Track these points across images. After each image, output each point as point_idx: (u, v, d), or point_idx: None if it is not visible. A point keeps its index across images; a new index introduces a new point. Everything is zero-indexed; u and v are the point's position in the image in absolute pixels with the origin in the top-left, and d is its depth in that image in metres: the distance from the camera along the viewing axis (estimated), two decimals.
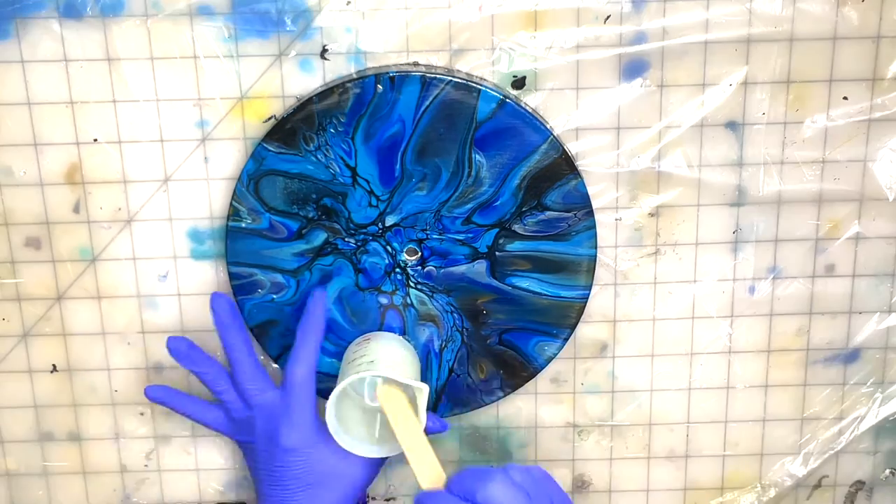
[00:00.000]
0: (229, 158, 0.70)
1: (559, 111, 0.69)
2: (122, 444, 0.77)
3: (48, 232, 0.72)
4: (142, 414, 0.76)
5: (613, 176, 0.71)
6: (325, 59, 0.68)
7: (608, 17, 0.67)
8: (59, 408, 0.76)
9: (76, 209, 0.71)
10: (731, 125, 0.70)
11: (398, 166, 0.68)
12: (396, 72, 0.66)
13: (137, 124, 0.69)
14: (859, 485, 0.79)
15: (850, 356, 0.76)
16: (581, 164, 0.70)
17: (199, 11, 0.67)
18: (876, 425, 0.78)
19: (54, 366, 0.75)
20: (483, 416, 0.77)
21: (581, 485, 0.79)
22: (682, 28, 0.68)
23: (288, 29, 0.67)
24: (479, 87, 0.66)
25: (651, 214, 0.72)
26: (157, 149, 0.70)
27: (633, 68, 0.68)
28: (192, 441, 0.77)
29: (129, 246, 0.72)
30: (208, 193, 0.71)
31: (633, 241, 0.72)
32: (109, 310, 0.74)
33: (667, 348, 0.75)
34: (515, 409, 0.77)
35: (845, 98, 0.69)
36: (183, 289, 0.73)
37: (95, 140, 0.69)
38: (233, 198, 0.69)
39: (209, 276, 0.73)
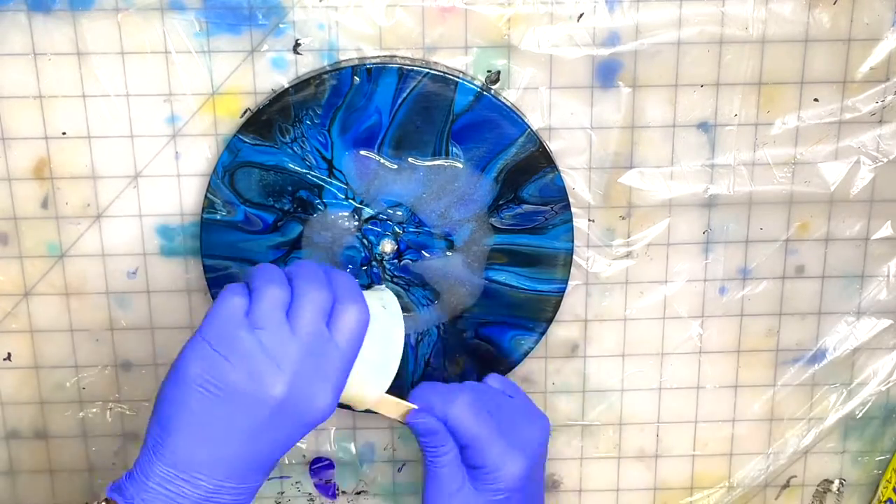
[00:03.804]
0: (200, 154, 0.70)
1: (531, 110, 0.69)
2: (90, 441, 0.76)
3: (15, 227, 0.71)
4: (110, 411, 0.76)
5: (586, 176, 0.71)
6: (298, 53, 0.67)
7: (581, 14, 0.67)
8: (25, 405, 0.75)
9: (44, 204, 0.70)
10: (703, 126, 0.70)
11: (375, 159, 0.68)
12: (373, 63, 0.66)
13: (107, 119, 0.68)
14: (827, 484, 0.80)
15: (819, 356, 0.76)
16: None
17: (171, 6, 0.66)
18: (843, 425, 0.78)
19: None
20: None
21: (551, 484, 0.79)
22: (655, 28, 0.68)
23: (260, 23, 0.67)
24: (456, 79, 0.66)
25: (622, 217, 0.72)
26: (127, 144, 0.69)
27: (606, 69, 0.69)
28: None
29: (98, 242, 0.71)
30: (179, 190, 0.70)
31: (604, 241, 0.73)
32: (77, 306, 0.73)
33: (638, 348, 0.76)
34: None
35: (816, 100, 0.70)
36: (152, 286, 0.73)
37: (64, 134, 0.69)
38: (207, 190, 0.69)
39: (179, 273, 0.72)
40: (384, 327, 0.63)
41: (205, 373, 0.54)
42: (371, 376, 0.62)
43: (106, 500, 0.54)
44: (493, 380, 0.70)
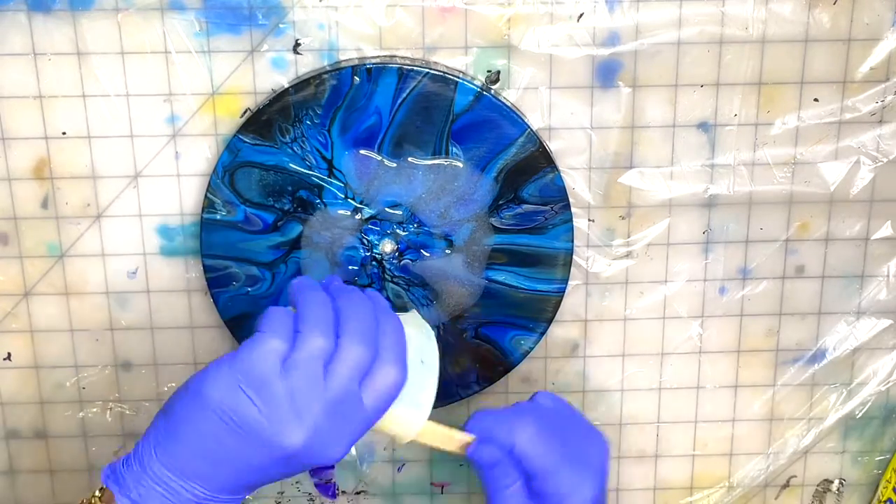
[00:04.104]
0: (200, 154, 0.70)
1: (531, 110, 0.69)
2: (90, 441, 0.76)
3: (15, 227, 0.71)
4: (110, 411, 0.76)
5: (586, 176, 0.71)
6: (298, 53, 0.67)
7: (581, 14, 0.67)
8: (25, 405, 0.75)
9: (44, 204, 0.70)
10: (703, 126, 0.70)
11: (375, 159, 0.68)
12: (373, 63, 0.66)
13: (107, 119, 0.68)
14: (827, 484, 0.80)
15: (819, 356, 0.76)
16: None
17: (171, 6, 0.66)
18: (843, 425, 0.78)
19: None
20: (454, 416, 0.76)
21: None
22: (655, 28, 0.68)
23: (260, 23, 0.67)
24: (456, 79, 0.66)
25: (622, 217, 0.72)
26: (127, 144, 0.69)
27: (606, 69, 0.69)
28: None
29: (98, 242, 0.71)
30: (179, 189, 0.70)
31: (604, 241, 0.73)
32: (77, 306, 0.73)
33: (638, 348, 0.76)
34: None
35: (816, 100, 0.70)
36: (152, 286, 0.73)
37: (64, 134, 0.69)
38: (207, 190, 0.69)
39: (179, 273, 0.72)
40: (420, 354, 0.60)
41: (226, 405, 0.53)
42: (406, 410, 0.58)
43: (102, 489, 0.55)
44: (544, 398, 0.65)
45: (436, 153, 0.68)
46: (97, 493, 0.55)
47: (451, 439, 0.61)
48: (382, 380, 0.55)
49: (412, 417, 0.58)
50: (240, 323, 0.71)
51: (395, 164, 0.68)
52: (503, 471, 0.61)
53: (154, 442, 0.55)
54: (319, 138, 0.67)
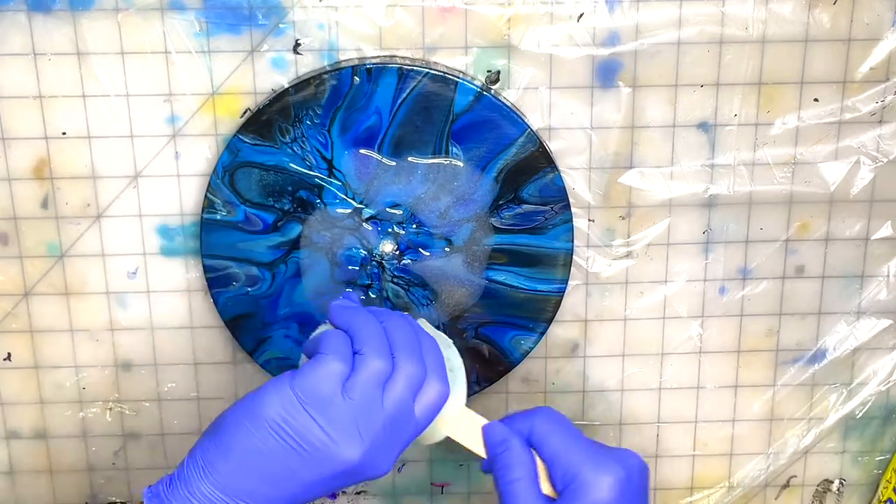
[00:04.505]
0: (200, 154, 0.70)
1: (531, 110, 0.69)
2: (90, 441, 0.76)
3: (15, 227, 0.71)
4: (110, 411, 0.76)
5: (586, 176, 0.71)
6: (298, 53, 0.67)
7: (581, 14, 0.67)
8: (25, 405, 0.75)
9: (44, 204, 0.70)
10: (703, 126, 0.70)
11: (375, 159, 0.68)
12: (373, 63, 0.66)
13: (107, 119, 0.68)
14: (827, 484, 0.80)
15: (819, 356, 0.76)
16: None
17: (171, 6, 0.66)
18: (843, 425, 0.78)
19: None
20: None
21: None
22: (655, 28, 0.68)
23: (260, 23, 0.67)
24: (456, 79, 0.66)
25: (622, 217, 0.72)
26: (127, 144, 0.69)
27: (606, 69, 0.69)
28: (161, 439, 0.77)
29: (98, 242, 0.71)
30: (179, 190, 0.70)
31: (604, 241, 0.73)
32: (77, 307, 0.73)
33: (638, 348, 0.76)
34: (486, 410, 0.76)
35: (816, 100, 0.70)
36: (152, 286, 0.73)
37: (64, 134, 0.69)
38: (207, 190, 0.69)
39: (179, 273, 0.72)
40: (448, 364, 0.62)
41: (285, 421, 0.54)
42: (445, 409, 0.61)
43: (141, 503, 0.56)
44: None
45: (436, 153, 0.68)
46: None
47: (473, 423, 0.63)
48: (432, 394, 0.58)
49: (449, 412, 0.61)
50: (240, 323, 0.71)
51: (394, 164, 0.68)
52: (516, 457, 0.61)
53: (203, 462, 0.55)
54: (319, 138, 0.67)
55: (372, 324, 0.58)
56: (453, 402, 0.61)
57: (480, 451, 0.63)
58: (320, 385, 0.55)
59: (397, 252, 0.71)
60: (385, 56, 0.67)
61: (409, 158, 0.68)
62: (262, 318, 0.71)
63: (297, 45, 0.67)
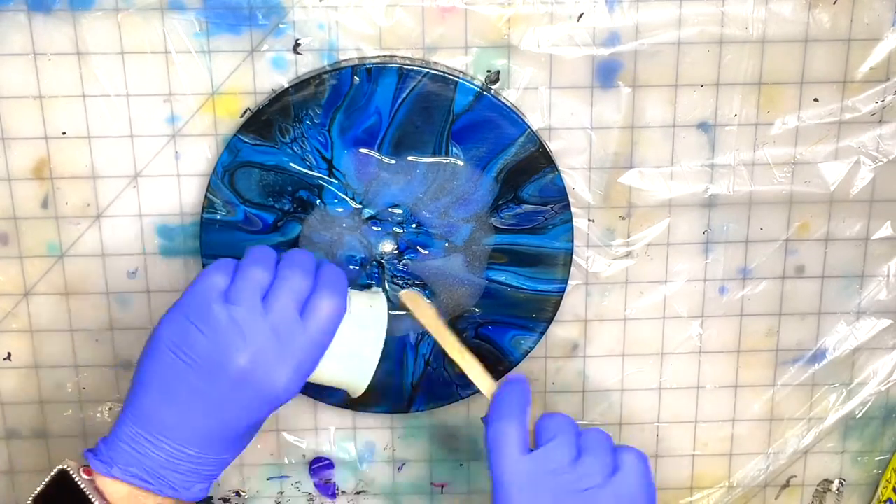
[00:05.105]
0: (200, 154, 0.70)
1: (531, 110, 0.69)
2: (90, 441, 0.76)
3: (15, 227, 0.71)
4: (110, 411, 0.76)
5: (586, 176, 0.71)
6: (298, 53, 0.67)
7: (581, 14, 0.67)
8: (25, 405, 0.75)
9: (44, 204, 0.70)
10: (703, 126, 0.70)
11: (375, 159, 0.68)
12: (373, 63, 0.66)
13: (107, 119, 0.68)
14: (827, 484, 0.80)
15: (819, 356, 0.76)
16: None
17: (171, 6, 0.66)
18: (843, 425, 0.78)
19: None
20: (453, 415, 0.77)
21: None
22: (655, 28, 0.68)
23: (260, 23, 0.67)
24: (456, 79, 0.66)
25: (622, 217, 0.72)
26: (127, 144, 0.69)
27: (606, 69, 0.69)
28: None
29: (98, 242, 0.71)
30: (179, 190, 0.70)
31: (604, 241, 0.73)
32: (77, 306, 0.73)
33: (638, 348, 0.76)
34: (485, 410, 0.76)
35: (816, 100, 0.70)
36: (152, 286, 0.73)
37: (64, 134, 0.69)
38: (207, 190, 0.69)
39: (179, 273, 0.72)
40: (364, 323, 0.62)
41: (177, 339, 0.57)
42: (347, 368, 0.62)
43: (85, 467, 0.57)
44: None
45: (436, 153, 0.68)
46: (81, 472, 0.57)
47: (484, 376, 0.64)
48: (321, 307, 0.58)
49: (361, 365, 0.62)
50: None
51: (394, 164, 0.68)
52: (512, 426, 0.60)
53: (125, 406, 0.58)
54: (319, 138, 0.67)
55: (264, 248, 0.61)
56: (364, 361, 0.62)
57: (479, 381, 0.64)
58: (200, 297, 0.57)
59: (397, 252, 0.71)
60: (385, 56, 0.67)
61: (409, 158, 0.68)
62: None
63: (297, 45, 0.67)
